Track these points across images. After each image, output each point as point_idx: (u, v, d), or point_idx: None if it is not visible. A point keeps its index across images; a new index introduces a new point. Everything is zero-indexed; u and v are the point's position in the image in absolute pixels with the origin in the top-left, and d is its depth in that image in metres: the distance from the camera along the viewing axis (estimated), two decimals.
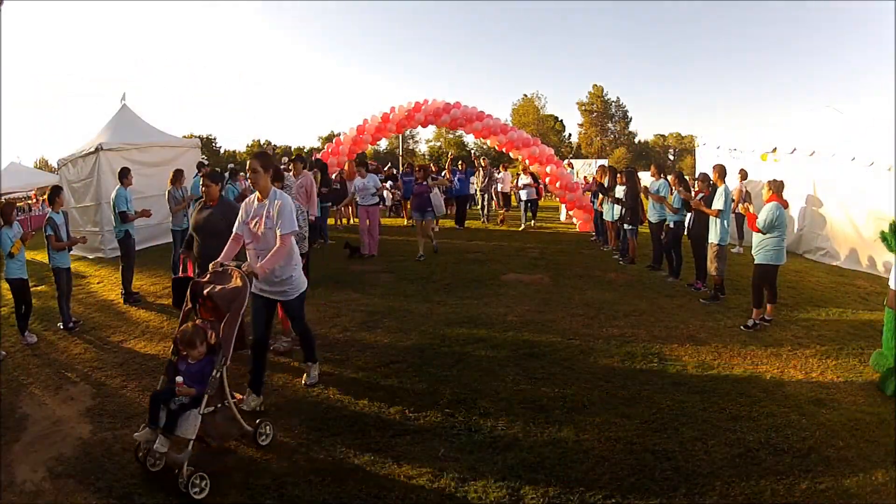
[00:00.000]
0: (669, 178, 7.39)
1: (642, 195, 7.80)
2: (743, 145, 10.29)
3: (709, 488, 2.74)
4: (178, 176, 7.44)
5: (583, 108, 54.42)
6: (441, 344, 4.74)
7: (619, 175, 8.65)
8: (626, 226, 8.14)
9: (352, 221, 13.13)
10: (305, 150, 50.33)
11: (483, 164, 14.07)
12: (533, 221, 12.40)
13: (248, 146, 55.56)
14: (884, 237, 4.20)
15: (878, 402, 3.68)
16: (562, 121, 54.54)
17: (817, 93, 69.08)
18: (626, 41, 78.89)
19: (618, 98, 54.60)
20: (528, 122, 47.37)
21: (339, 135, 13.11)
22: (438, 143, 53.19)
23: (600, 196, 9.36)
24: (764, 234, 5.10)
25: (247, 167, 3.56)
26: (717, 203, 5.95)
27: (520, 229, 11.84)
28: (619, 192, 8.26)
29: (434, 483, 2.81)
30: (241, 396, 3.39)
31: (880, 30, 67.23)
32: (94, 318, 5.88)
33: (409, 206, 10.68)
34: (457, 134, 46.57)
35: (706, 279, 6.50)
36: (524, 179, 12.32)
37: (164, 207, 7.75)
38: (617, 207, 8.49)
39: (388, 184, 13.53)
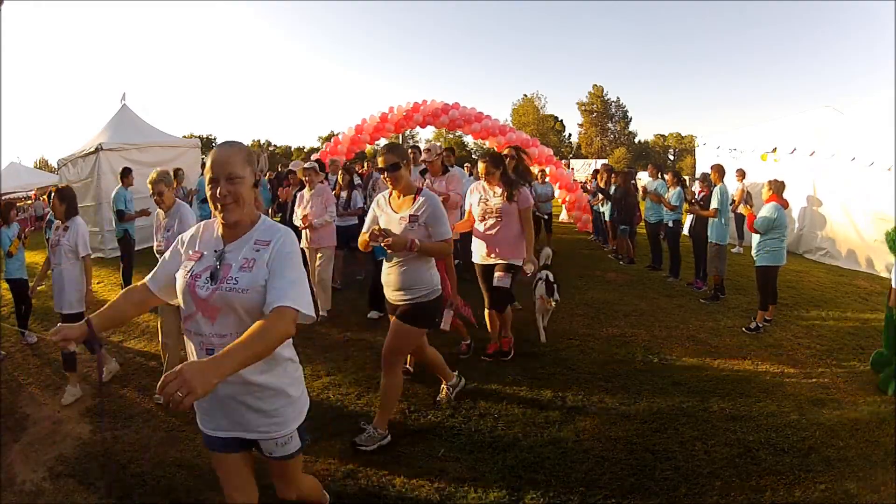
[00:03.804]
0: (667, 176, 7.40)
1: (640, 195, 7.81)
2: (743, 145, 10.30)
3: (709, 488, 2.74)
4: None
5: (583, 108, 54.39)
6: (441, 344, 4.72)
7: (615, 176, 8.75)
8: (620, 226, 8.18)
9: None
10: (305, 150, 50.41)
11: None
12: None
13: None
14: (889, 239, 4.18)
15: (878, 402, 3.68)
16: (562, 121, 54.65)
17: (817, 93, 69.36)
18: (626, 41, 79.22)
19: (618, 98, 54.69)
20: (527, 123, 47.37)
21: (338, 134, 13.08)
22: (438, 144, 53.19)
23: (599, 196, 9.39)
24: (760, 234, 5.08)
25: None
26: (714, 202, 5.94)
27: None
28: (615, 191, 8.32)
29: (434, 483, 2.80)
30: None
31: (880, 30, 67.32)
32: None
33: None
34: (456, 134, 46.55)
35: (706, 279, 6.50)
36: None
37: None
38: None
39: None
